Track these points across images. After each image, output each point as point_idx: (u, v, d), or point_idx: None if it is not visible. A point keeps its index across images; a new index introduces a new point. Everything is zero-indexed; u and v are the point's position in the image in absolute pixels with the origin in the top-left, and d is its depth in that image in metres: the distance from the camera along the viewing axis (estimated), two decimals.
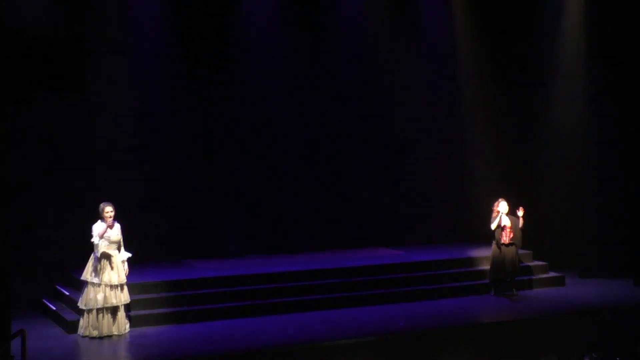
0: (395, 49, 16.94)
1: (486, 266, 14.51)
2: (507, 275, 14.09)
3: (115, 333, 11.79)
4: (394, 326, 12.26)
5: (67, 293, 13.07)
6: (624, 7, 15.51)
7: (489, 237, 14.25)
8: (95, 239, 11.71)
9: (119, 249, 11.92)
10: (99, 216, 11.81)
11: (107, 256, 11.73)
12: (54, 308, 12.94)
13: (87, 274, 11.77)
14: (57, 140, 14.44)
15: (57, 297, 13.40)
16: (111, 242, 11.79)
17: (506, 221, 13.97)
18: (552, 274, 15.19)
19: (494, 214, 13.99)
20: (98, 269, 11.69)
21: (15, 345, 10.27)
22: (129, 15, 15.00)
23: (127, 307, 12.12)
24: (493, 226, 13.98)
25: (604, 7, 15.68)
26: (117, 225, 11.90)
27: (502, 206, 14.00)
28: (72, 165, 14.55)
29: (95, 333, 11.70)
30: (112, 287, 11.73)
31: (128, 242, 12.13)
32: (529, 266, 15.09)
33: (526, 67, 16.80)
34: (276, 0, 16.20)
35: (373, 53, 16.86)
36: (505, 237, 13.95)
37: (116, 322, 11.80)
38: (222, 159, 15.86)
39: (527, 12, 16.64)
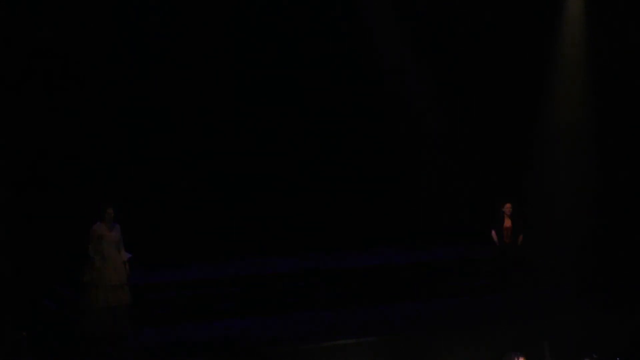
0: (394, 48, 16.93)
1: (486, 266, 14.51)
2: (508, 275, 14.09)
3: (116, 333, 11.79)
4: (394, 326, 12.25)
5: (67, 293, 13.06)
6: (624, 7, 15.51)
7: (489, 237, 14.25)
8: (92, 237, 11.69)
9: (119, 250, 11.92)
10: (98, 217, 11.82)
11: (106, 254, 11.72)
12: (54, 308, 12.93)
13: (88, 274, 11.77)
14: (57, 140, 14.44)
15: (57, 297, 13.39)
16: (111, 243, 11.79)
17: (508, 222, 14.00)
18: (551, 274, 15.18)
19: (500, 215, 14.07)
20: (98, 268, 11.68)
21: (15, 345, 10.27)
22: (129, 15, 15.01)
23: (128, 308, 12.12)
24: (496, 227, 14.03)
25: (604, 7, 15.69)
26: (117, 226, 11.90)
27: (506, 208, 14.05)
28: (72, 165, 14.54)
29: (97, 333, 11.70)
30: (112, 287, 11.72)
31: (128, 242, 12.13)
32: (529, 266, 15.08)
33: (527, 66, 16.78)
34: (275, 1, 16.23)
35: (372, 52, 16.87)
36: (506, 237, 13.97)
37: (117, 323, 11.80)
38: (222, 158, 15.86)
39: (527, 11, 16.64)
